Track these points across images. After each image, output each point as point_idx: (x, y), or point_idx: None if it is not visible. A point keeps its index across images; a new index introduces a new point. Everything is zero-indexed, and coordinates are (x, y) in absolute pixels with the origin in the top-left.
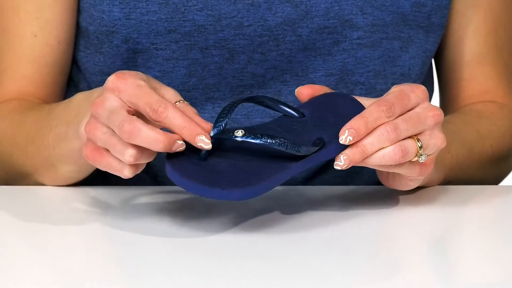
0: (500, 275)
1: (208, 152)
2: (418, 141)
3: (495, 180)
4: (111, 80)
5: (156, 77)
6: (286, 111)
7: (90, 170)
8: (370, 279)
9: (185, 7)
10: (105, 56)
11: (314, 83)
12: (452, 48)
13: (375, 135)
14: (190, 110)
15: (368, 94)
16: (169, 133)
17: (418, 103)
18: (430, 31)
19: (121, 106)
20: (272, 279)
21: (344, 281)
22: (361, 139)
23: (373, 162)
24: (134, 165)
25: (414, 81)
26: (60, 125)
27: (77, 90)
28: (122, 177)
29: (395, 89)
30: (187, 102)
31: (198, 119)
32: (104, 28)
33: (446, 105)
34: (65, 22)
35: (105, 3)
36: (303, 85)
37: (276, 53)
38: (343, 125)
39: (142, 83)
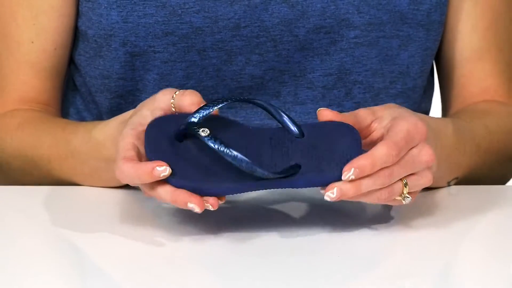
0: (502, 275)
1: (184, 133)
2: (404, 181)
3: (503, 178)
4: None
5: (154, 80)
6: (287, 124)
7: None
8: (370, 279)
9: (182, 10)
10: (105, 59)
11: (312, 83)
12: (451, 44)
13: (374, 179)
14: (191, 98)
15: (366, 92)
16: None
17: (417, 144)
18: (431, 29)
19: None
20: (272, 279)
21: (344, 281)
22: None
23: (359, 199)
24: None
25: (414, 80)
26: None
27: (79, 93)
28: None
29: (401, 128)
30: (182, 91)
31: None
32: (103, 31)
33: (448, 104)
34: (61, 28)
35: (103, 7)
36: (302, 86)
37: (274, 53)
38: (328, 162)
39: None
